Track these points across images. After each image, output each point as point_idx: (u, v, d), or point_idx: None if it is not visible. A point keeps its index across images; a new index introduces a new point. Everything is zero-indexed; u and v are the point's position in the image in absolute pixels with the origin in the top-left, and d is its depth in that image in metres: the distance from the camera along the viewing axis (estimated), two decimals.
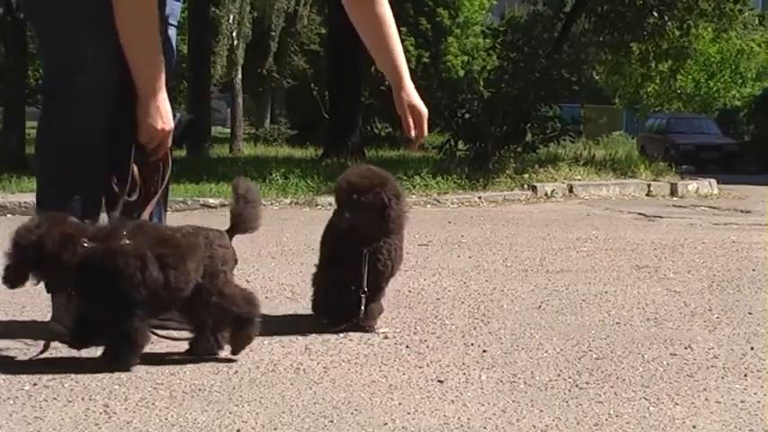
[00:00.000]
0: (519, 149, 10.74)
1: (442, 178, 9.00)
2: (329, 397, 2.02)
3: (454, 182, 8.99)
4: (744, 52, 29.25)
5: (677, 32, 15.02)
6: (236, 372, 2.21)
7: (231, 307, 2.23)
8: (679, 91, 29.46)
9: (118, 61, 2.44)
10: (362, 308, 2.62)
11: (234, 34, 22.13)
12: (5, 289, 3.32)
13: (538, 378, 2.21)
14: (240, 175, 2.55)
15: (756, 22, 17.26)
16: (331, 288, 2.71)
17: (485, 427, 1.85)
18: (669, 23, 14.68)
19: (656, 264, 4.31)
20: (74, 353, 2.34)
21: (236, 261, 2.32)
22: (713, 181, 11.29)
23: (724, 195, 10.43)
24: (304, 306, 3.06)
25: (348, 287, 2.62)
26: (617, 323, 2.90)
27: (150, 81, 2.43)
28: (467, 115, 10.73)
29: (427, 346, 2.51)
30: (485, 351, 2.47)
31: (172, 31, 2.72)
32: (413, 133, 2.79)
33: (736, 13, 15.06)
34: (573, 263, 4.33)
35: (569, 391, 2.11)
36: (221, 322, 2.25)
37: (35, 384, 2.08)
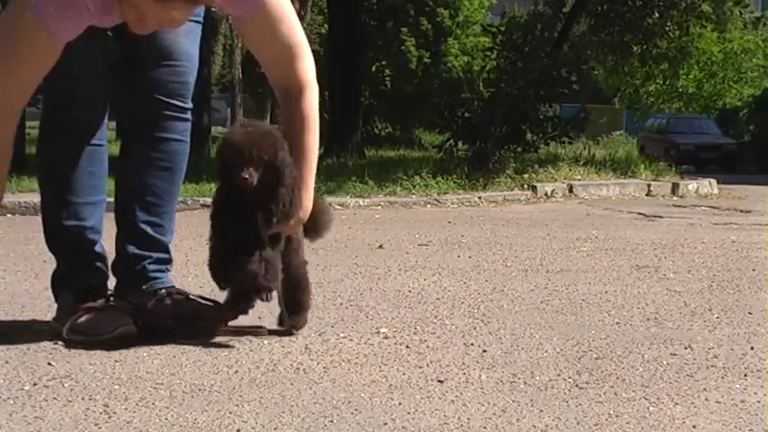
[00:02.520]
0: (519, 149, 10.74)
1: (442, 178, 9.00)
2: (329, 397, 2.02)
3: (454, 182, 8.99)
4: (747, 51, 29.24)
5: (677, 32, 15.04)
6: (236, 372, 2.21)
7: None
8: (681, 89, 29.44)
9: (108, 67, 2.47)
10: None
11: (233, 34, 22.13)
12: (5, 289, 3.33)
13: (538, 378, 2.21)
14: None
15: (754, 23, 17.23)
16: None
17: (485, 427, 1.85)
18: (669, 23, 14.68)
19: (656, 264, 4.31)
20: (74, 352, 2.35)
21: None
22: (713, 181, 11.29)
23: (724, 195, 10.43)
24: None
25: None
26: (617, 323, 2.90)
27: None
28: (467, 114, 10.72)
29: (427, 346, 2.51)
30: (485, 351, 2.47)
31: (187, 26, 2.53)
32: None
33: (737, 14, 15.07)
34: (573, 263, 4.33)
35: (569, 391, 2.11)
36: None
37: (35, 384, 2.08)
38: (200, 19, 2.61)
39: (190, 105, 2.64)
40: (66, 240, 2.57)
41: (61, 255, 2.58)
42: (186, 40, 2.59)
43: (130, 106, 2.61)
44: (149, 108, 2.58)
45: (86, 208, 2.56)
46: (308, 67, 2.48)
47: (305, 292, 2.60)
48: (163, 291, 2.61)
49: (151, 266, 2.62)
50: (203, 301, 2.64)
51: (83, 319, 2.44)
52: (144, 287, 2.60)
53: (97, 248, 2.60)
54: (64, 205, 2.55)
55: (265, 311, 2.68)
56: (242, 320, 2.56)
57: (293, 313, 2.57)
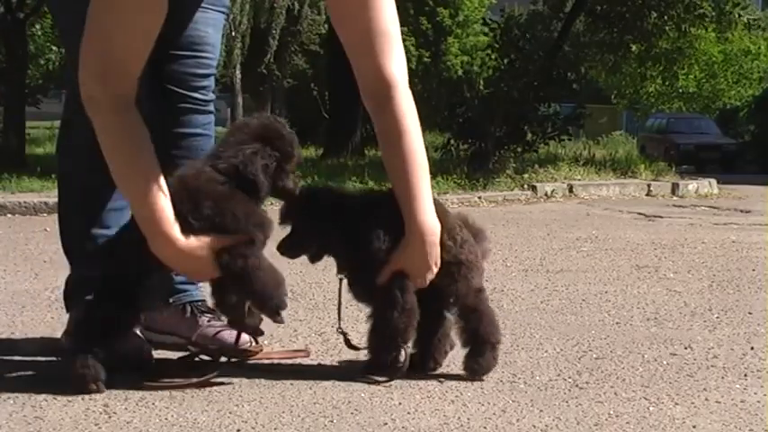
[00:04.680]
0: (519, 149, 10.75)
1: (442, 178, 8.99)
2: (329, 397, 2.02)
3: (454, 182, 8.99)
4: (749, 53, 29.24)
5: (675, 33, 15.04)
6: (237, 372, 2.20)
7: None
8: (681, 90, 29.45)
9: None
10: None
11: (233, 34, 22.13)
12: (5, 289, 3.34)
13: (538, 378, 2.21)
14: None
15: (752, 25, 17.20)
16: None
17: (485, 427, 1.85)
18: (668, 24, 14.67)
19: (656, 264, 4.31)
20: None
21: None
22: (713, 181, 11.29)
23: (724, 195, 10.43)
24: (304, 306, 3.06)
25: None
26: (617, 323, 2.90)
27: (144, 218, 2.02)
28: (468, 114, 10.71)
29: None
30: None
31: (211, 15, 2.43)
32: None
33: (736, 15, 15.05)
34: (573, 263, 4.33)
35: (569, 391, 2.11)
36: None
37: (35, 384, 2.07)
38: (226, 10, 2.50)
39: (212, 97, 2.49)
40: (87, 249, 2.36)
41: (79, 263, 2.40)
42: (215, 31, 2.45)
43: (149, 102, 2.35)
44: (169, 103, 2.40)
45: (111, 214, 2.38)
46: (396, 62, 2.21)
47: (482, 323, 2.19)
48: (189, 306, 2.45)
49: (179, 278, 2.40)
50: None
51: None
52: (171, 300, 2.43)
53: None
54: (85, 210, 2.39)
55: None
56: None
57: (476, 354, 2.18)
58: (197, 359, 2.27)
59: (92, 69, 2.03)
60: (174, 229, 2.00)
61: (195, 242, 2.00)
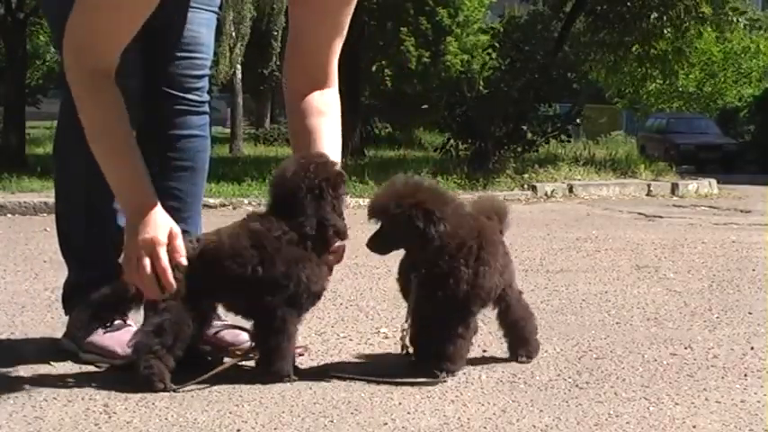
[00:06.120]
0: (519, 149, 10.75)
1: (442, 178, 9.00)
2: (329, 397, 2.02)
3: (454, 182, 9.00)
4: (747, 50, 29.25)
5: (675, 34, 15.03)
6: (236, 372, 2.20)
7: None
8: (681, 89, 29.45)
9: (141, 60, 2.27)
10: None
11: (233, 34, 22.12)
12: (5, 289, 3.34)
13: (538, 378, 2.22)
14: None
15: (749, 25, 17.13)
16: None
17: (485, 427, 1.85)
18: (667, 24, 14.67)
19: (656, 264, 4.31)
20: (74, 352, 2.34)
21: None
22: (713, 181, 11.29)
23: (724, 195, 10.44)
24: None
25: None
26: (617, 323, 2.90)
27: (120, 193, 2.08)
28: (468, 114, 10.72)
29: None
30: (485, 351, 2.47)
31: (204, 15, 2.40)
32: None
33: (735, 16, 15.04)
34: (573, 263, 4.33)
35: (569, 391, 2.11)
36: None
37: (35, 384, 2.08)
38: (218, 10, 2.48)
39: (206, 98, 2.47)
40: (85, 249, 2.37)
41: (77, 264, 2.38)
42: (208, 31, 2.43)
43: (144, 104, 2.34)
44: (163, 105, 2.37)
45: (112, 215, 2.35)
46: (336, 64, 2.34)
47: (529, 322, 2.39)
48: None
49: None
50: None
51: (98, 337, 2.27)
52: None
53: (118, 259, 2.33)
54: (83, 210, 2.37)
55: None
56: None
57: (524, 344, 2.37)
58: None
59: (74, 42, 2.04)
60: (150, 193, 2.04)
61: (169, 220, 2.04)
